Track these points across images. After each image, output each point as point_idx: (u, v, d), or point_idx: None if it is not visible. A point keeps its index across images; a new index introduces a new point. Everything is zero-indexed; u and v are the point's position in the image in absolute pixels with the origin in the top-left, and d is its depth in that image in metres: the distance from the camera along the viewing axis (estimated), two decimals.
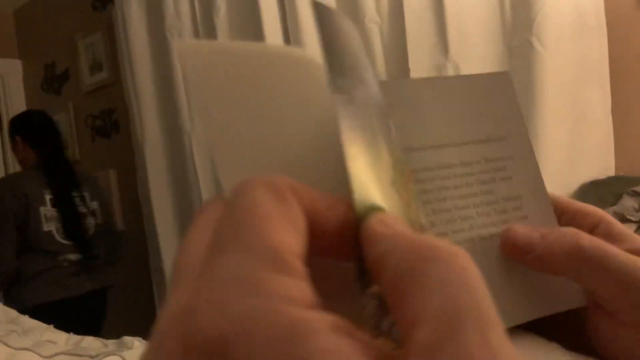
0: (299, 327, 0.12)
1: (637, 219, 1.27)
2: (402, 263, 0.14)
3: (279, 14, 1.83)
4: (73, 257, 2.01)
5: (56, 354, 1.04)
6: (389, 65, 1.66)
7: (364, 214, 0.16)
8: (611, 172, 1.51)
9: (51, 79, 3.02)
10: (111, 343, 1.21)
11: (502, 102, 0.28)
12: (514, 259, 0.25)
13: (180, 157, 2.06)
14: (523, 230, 0.25)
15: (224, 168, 0.19)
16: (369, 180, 0.17)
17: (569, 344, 0.25)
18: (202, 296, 0.13)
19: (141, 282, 2.27)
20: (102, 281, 2.10)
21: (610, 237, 0.25)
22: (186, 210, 2.08)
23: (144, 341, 1.18)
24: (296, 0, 1.76)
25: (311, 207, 0.16)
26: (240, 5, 1.90)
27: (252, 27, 1.84)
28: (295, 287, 0.14)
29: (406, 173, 0.21)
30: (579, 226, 0.25)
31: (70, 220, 2.01)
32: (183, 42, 0.19)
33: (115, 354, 1.04)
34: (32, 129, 2.09)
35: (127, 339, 1.20)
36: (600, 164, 1.51)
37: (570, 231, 0.24)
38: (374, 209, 0.16)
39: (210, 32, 1.97)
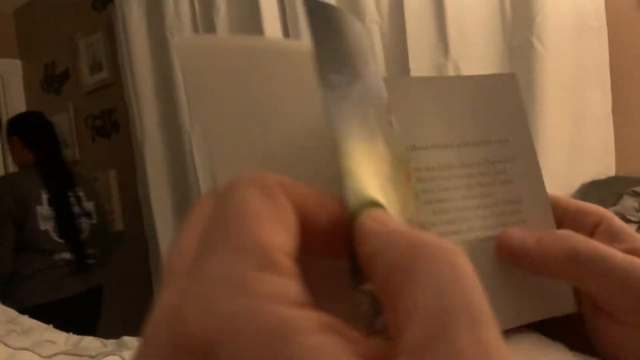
0: (287, 326, 0.12)
1: (637, 219, 1.27)
2: (394, 260, 0.14)
3: (279, 13, 1.83)
4: (68, 255, 2.03)
5: (55, 354, 1.03)
6: (389, 65, 1.66)
7: (357, 211, 0.16)
8: (611, 173, 1.51)
9: (51, 79, 3.02)
10: (111, 343, 1.21)
11: (506, 104, 0.28)
12: (509, 261, 0.25)
13: (180, 157, 2.06)
14: (519, 233, 0.25)
15: (219, 163, 0.18)
16: (362, 176, 0.17)
17: (572, 344, 0.25)
18: (189, 296, 0.13)
19: (141, 282, 2.27)
20: (93, 281, 2.11)
21: (611, 236, 0.25)
22: (186, 210, 2.06)
23: None
24: (296, 0, 1.76)
25: (302, 205, 0.16)
26: (240, 5, 1.90)
27: (252, 27, 1.84)
28: (284, 286, 0.13)
29: (406, 171, 0.21)
30: (581, 226, 0.25)
31: (65, 219, 2.03)
32: (182, 38, 0.19)
33: (114, 354, 1.04)
34: (29, 130, 2.10)
35: (126, 339, 1.20)
36: (601, 164, 1.51)
37: (566, 234, 0.24)
38: (367, 205, 0.16)
39: (210, 32, 1.97)
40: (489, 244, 0.25)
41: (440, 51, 1.58)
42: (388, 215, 0.16)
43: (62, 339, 1.24)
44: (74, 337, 1.26)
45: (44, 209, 2.00)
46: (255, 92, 0.20)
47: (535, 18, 1.46)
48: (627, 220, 1.27)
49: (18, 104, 3.08)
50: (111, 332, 1.49)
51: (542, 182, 0.27)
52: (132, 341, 1.18)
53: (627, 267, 0.22)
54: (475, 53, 1.55)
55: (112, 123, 2.72)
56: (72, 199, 2.09)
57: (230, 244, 0.14)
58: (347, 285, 0.16)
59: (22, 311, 1.44)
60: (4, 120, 2.63)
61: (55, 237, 2.01)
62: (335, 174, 0.17)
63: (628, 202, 1.30)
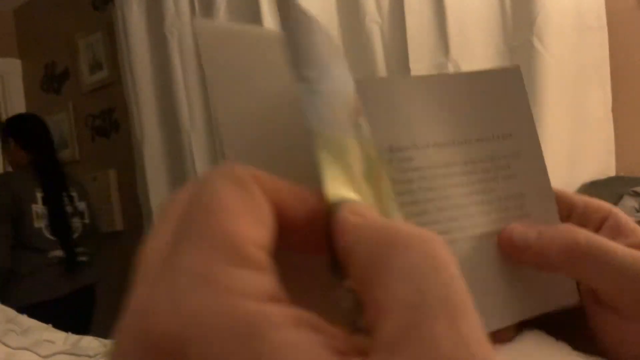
0: (258, 321, 0.12)
1: (637, 220, 1.27)
2: (369, 252, 0.14)
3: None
4: (60, 253, 2.07)
5: (54, 354, 1.03)
6: (389, 65, 1.66)
7: (336, 204, 0.16)
8: (612, 173, 1.51)
9: (51, 79, 3.02)
10: (109, 343, 1.21)
11: (511, 98, 0.28)
12: (511, 256, 0.25)
13: (180, 156, 2.06)
14: (520, 228, 0.25)
15: (231, 146, 0.18)
16: (340, 171, 0.17)
17: (575, 344, 0.25)
18: (158, 293, 0.13)
19: None
20: (84, 280, 2.14)
21: (617, 231, 0.25)
22: None
23: None
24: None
25: (278, 198, 0.15)
26: (240, 4, 1.90)
27: None
28: (257, 281, 0.13)
29: (378, 171, 0.21)
30: (588, 221, 0.25)
31: (57, 216, 2.07)
32: (201, 20, 0.19)
33: None
34: (25, 131, 2.15)
35: None
36: (601, 164, 1.51)
37: (567, 228, 0.24)
38: (345, 199, 0.16)
39: None
40: (492, 239, 0.25)
41: (440, 51, 1.58)
42: (367, 208, 0.16)
43: (61, 339, 1.24)
44: (72, 337, 1.26)
45: (38, 207, 2.04)
46: (268, 78, 0.20)
47: (536, 18, 1.46)
48: None
49: (18, 104, 3.08)
50: (110, 331, 1.49)
51: (547, 176, 0.27)
52: None
53: (628, 260, 0.22)
54: (476, 53, 1.55)
55: (111, 123, 2.72)
56: (65, 199, 2.13)
57: (200, 238, 0.13)
58: (327, 282, 0.16)
59: (19, 310, 1.44)
60: (4, 119, 2.65)
61: (48, 235, 2.05)
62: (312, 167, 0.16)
63: (628, 202, 1.30)
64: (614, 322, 0.24)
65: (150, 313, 0.13)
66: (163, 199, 2.11)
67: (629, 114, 1.50)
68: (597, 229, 0.25)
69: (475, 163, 0.26)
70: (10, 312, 1.39)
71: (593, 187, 1.45)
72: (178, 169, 2.08)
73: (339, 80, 0.20)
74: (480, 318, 0.24)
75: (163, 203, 0.17)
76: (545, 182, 0.27)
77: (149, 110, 2.14)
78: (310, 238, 0.16)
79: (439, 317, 0.12)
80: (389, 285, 0.13)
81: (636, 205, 1.29)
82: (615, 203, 1.33)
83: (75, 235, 2.13)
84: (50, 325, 1.32)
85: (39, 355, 1.02)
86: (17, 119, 2.27)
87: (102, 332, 1.42)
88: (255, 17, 1.83)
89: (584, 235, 0.23)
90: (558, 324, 0.26)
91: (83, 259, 2.14)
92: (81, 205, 2.19)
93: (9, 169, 2.36)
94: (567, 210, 0.27)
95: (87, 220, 2.20)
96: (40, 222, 2.04)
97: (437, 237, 0.14)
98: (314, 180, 0.16)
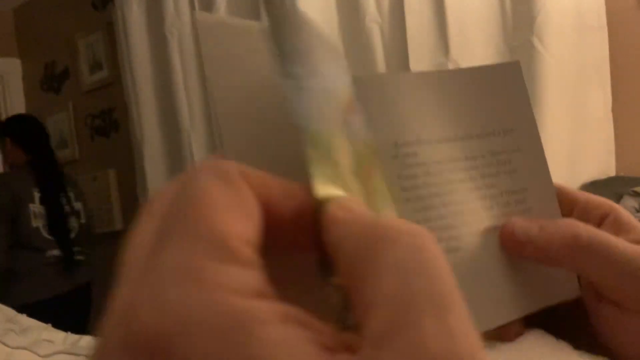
0: (244, 317, 0.12)
1: (638, 219, 1.27)
2: (357, 247, 0.13)
3: None
4: (57, 252, 2.10)
5: (54, 353, 1.03)
6: (389, 65, 1.66)
7: (324, 200, 0.16)
8: (612, 173, 1.51)
9: (51, 78, 3.02)
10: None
11: (511, 93, 0.28)
12: (513, 250, 0.25)
13: (180, 156, 2.06)
14: (522, 222, 0.25)
15: (230, 140, 0.18)
16: (328, 167, 0.17)
17: (576, 343, 0.24)
18: (142, 291, 0.13)
19: None
20: (81, 278, 2.16)
21: (618, 227, 0.25)
22: None
23: None
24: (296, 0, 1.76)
25: (266, 194, 0.15)
26: (240, 4, 1.90)
27: None
28: (242, 276, 0.13)
29: (368, 170, 0.21)
30: (589, 217, 0.25)
31: (55, 216, 2.10)
32: (203, 14, 0.19)
33: None
34: (22, 132, 2.18)
35: None
36: (601, 164, 1.51)
37: (568, 222, 0.24)
38: (334, 195, 0.16)
39: None
40: (494, 234, 0.25)
41: (440, 51, 1.58)
42: (356, 203, 0.16)
43: (60, 338, 1.23)
44: (72, 337, 1.26)
45: (35, 207, 2.07)
46: (270, 68, 0.20)
47: (536, 18, 1.46)
48: None
49: (18, 104, 3.08)
50: None
51: (547, 171, 0.27)
52: None
53: (629, 254, 0.22)
54: (476, 53, 1.55)
55: (111, 122, 2.72)
56: (63, 199, 2.16)
57: (185, 234, 0.13)
58: (316, 279, 0.16)
59: (18, 309, 1.44)
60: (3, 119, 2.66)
61: (45, 234, 2.07)
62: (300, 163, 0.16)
63: (628, 202, 1.30)
64: (614, 316, 0.24)
65: (134, 311, 0.12)
66: None
67: (629, 114, 1.50)
68: (598, 225, 0.25)
69: (477, 158, 0.26)
70: (10, 311, 1.39)
71: (593, 187, 1.45)
72: (178, 168, 2.08)
73: (328, 77, 0.20)
74: (487, 313, 0.24)
75: (147, 200, 0.16)
76: (546, 176, 0.27)
77: (149, 110, 2.14)
78: (299, 234, 0.16)
79: (426, 312, 0.12)
80: (376, 280, 0.12)
81: (636, 205, 1.29)
82: (616, 203, 1.33)
83: (72, 235, 2.16)
84: (49, 325, 1.32)
85: (38, 355, 1.01)
86: (14, 119, 2.30)
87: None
88: (255, 17, 1.82)
89: (585, 229, 0.23)
90: (558, 323, 0.26)
91: (80, 257, 2.16)
92: (77, 205, 2.22)
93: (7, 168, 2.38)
94: (568, 206, 0.27)
95: (83, 220, 2.23)
96: (37, 221, 2.06)
97: (426, 232, 0.13)
98: (309, 174, 0.16)
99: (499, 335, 0.25)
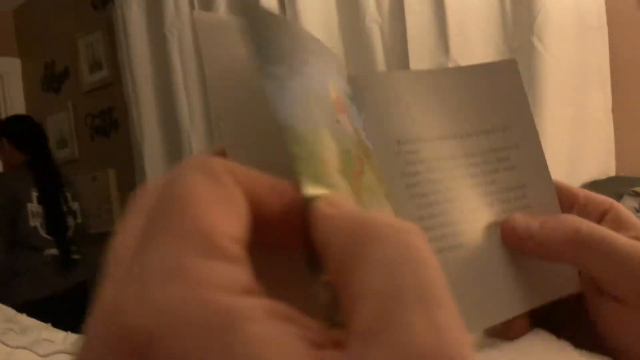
0: (230, 313, 0.12)
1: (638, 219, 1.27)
2: (345, 243, 0.13)
3: (278, 12, 1.83)
4: (55, 252, 2.13)
5: (54, 353, 1.03)
6: (389, 65, 1.66)
7: (312, 197, 0.16)
8: (612, 173, 1.51)
9: (51, 78, 3.02)
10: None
11: (508, 90, 0.28)
12: (514, 246, 0.25)
13: (180, 156, 2.06)
14: (523, 218, 0.25)
15: (230, 139, 0.18)
16: (314, 166, 0.17)
17: (576, 342, 0.25)
18: (127, 289, 0.12)
19: None
20: (77, 277, 2.17)
21: (618, 224, 0.25)
22: None
23: None
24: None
25: (253, 191, 0.15)
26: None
27: None
28: (230, 273, 0.13)
29: (356, 167, 0.21)
30: (590, 214, 0.26)
31: (54, 216, 2.13)
32: (201, 13, 0.20)
33: None
34: (19, 132, 2.20)
35: None
36: (601, 164, 1.51)
37: (569, 217, 0.24)
38: (322, 191, 0.16)
39: None
40: (495, 230, 0.25)
41: (440, 51, 1.58)
42: (344, 199, 0.16)
43: (60, 338, 1.24)
44: (72, 336, 1.26)
45: (33, 206, 2.10)
46: None
47: (536, 18, 1.46)
48: None
49: (17, 103, 3.08)
50: None
51: (546, 167, 0.28)
52: None
53: (629, 249, 0.23)
54: (476, 53, 1.55)
55: (111, 122, 2.72)
56: (61, 199, 2.19)
57: (171, 231, 0.13)
58: (304, 277, 0.16)
59: (16, 307, 1.45)
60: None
61: (43, 234, 2.10)
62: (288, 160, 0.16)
63: (628, 202, 1.30)
64: (615, 312, 0.24)
65: (119, 309, 0.12)
66: None
67: (629, 114, 1.50)
68: (598, 222, 0.25)
69: (476, 155, 0.26)
70: (9, 311, 1.39)
71: (593, 187, 1.45)
72: None
73: (312, 76, 0.20)
74: (492, 308, 0.24)
75: (132, 197, 0.16)
76: (544, 172, 0.28)
77: (149, 110, 2.14)
78: (287, 231, 0.16)
79: (413, 307, 0.12)
80: (364, 276, 0.12)
81: (636, 205, 1.29)
82: None
83: (69, 234, 2.19)
84: (49, 325, 1.32)
85: (38, 355, 1.01)
86: (11, 120, 2.33)
87: None
88: None
89: (586, 224, 0.24)
90: (559, 323, 0.26)
91: (77, 257, 2.19)
92: (74, 205, 2.25)
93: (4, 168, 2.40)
94: (569, 203, 0.27)
95: (79, 220, 2.26)
96: (35, 220, 2.09)
97: (415, 228, 0.13)
98: (296, 172, 0.16)
99: (505, 332, 0.25)
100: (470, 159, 0.26)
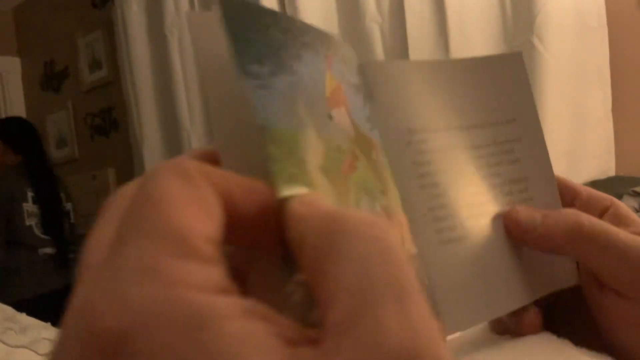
0: (204, 312, 0.12)
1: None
2: (317, 240, 0.13)
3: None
4: (50, 250, 2.17)
5: None
6: None
7: (286, 198, 0.16)
8: (611, 173, 1.51)
9: (50, 77, 3.02)
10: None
11: (513, 83, 0.28)
12: (516, 238, 0.25)
13: (179, 155, 2.06)
14: (526, 211, 0.25)
15: (222, 139, 0.18)
16: (291, 165, 0.17)
17: (577, 340, 0.25)
18: (100, 288, 0.12)
19: None
20: (72, 277, 2.18)
21: (619, 220, 0.25)
22: None
23: None
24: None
25: (228, 192, 0.15)
26: None
27: None
28: (203, 273, 0.13)
29: (346, 164, 0.21)
30: (591, 210, 0.26)
31: (51, 215, 2.17)
32: (194, 14, 0.19)
33: None
34: (12, 134, 2.23)
35: None
36: (601, 164, 1.51)
37: (571, 211, 0.25)
38: (298, 190, 0.16)
39: None
40: (497, 222, 0.26)
41: (440, 51, 1.58)
42: (316, 198, 0.16)
43: None
44: None
45: (29, 206, 2.13)
46: None
47: (536, 18, 1.46)
48: None
49: (17, 102, 3.07)
50: None
51: (548, 160, 0.28)
52: None
53: (629, 242, 0.23)
54: (476, 53, 1.54)
55: (111, 121, 2.71)
56: (56, 199, 2.24)
57: (144, 231, 0.13)
58: (279, 277, 0.16)
59: (14, 306, 1.45)
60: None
61: (38, 233, 2.14)
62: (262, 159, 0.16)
63: (628, 202, 1.30)
64: (615, 305, 0.24)
65: (92, 308, 0.12)
66: None
67: (629, 114, 1.50)
68: (599, 218, 0.26)
69: (482, 147, 0.26)
70: (9, 310, 1.39)
71: (593, 187, 1.45)
72: None
73: (303, 72, 0.20)
74: (499, 298, 0.24)
75: (106, 199, 0.16)
76: (547, 166, 0.28)
77: (149, 110, 2.14)
78: (262, 232, 0.16)
79: (386, 301, 0.12)
80: (336, 272, 0.12)
81: (636, 205, 1.29)
82: None
83: (64, 233, 2.23)
84: (49, 324, 1.32)
85: (38, 354, 1.01)
86: (5, 122, 2.36)
87: None
88: None
89: (587, 218, 0.24)
90: (559, 321, 0.26)
91: (73, 256, 2.22)
92: (68, 206, 2.30)
93: None
94: (570, 198, 0.27)
95: (72, 221, 2.31)
96: (31, 220, 2.13)
97: (385, 222, 0.14)
98: (271, 173, 0.16)
99: (516, 327, 0.25)
100: (477, 150, 0.26)
